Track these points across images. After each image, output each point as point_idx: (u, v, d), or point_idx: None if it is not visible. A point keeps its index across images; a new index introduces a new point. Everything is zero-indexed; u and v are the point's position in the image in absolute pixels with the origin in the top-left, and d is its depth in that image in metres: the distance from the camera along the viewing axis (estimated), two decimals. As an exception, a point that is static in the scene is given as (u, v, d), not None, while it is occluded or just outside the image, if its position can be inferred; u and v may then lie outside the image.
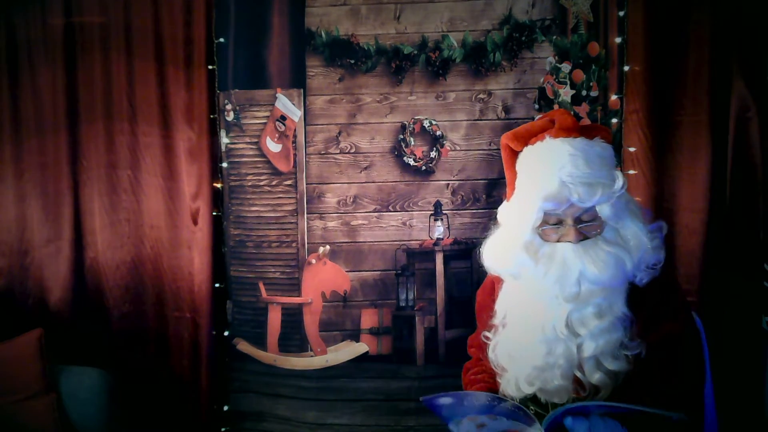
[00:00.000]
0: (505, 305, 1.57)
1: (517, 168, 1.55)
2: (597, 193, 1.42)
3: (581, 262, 1.43)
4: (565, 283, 1.43)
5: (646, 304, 1.49)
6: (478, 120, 2.62)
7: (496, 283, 1.66)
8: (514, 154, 1.56)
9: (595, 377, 1.46)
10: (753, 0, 2.39)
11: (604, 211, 1.46)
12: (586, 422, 1.36)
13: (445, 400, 1.47)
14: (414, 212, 2.66)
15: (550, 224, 1.48)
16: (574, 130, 1.50)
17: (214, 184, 2.69)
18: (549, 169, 1.45)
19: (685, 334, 1.51)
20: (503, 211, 1.58)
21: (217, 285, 2.70)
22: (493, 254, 1.56)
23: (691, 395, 1.51)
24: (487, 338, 1.60)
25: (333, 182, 2.68)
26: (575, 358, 1.45)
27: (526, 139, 1.54)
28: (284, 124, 2.67)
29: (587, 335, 1.44)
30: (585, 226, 1.46)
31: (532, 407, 1.58)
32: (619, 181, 1.46)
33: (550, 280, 1.45)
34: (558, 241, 1.47)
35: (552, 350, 1.46)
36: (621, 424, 1.38)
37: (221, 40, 2.62)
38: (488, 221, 1.60)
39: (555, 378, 1.46)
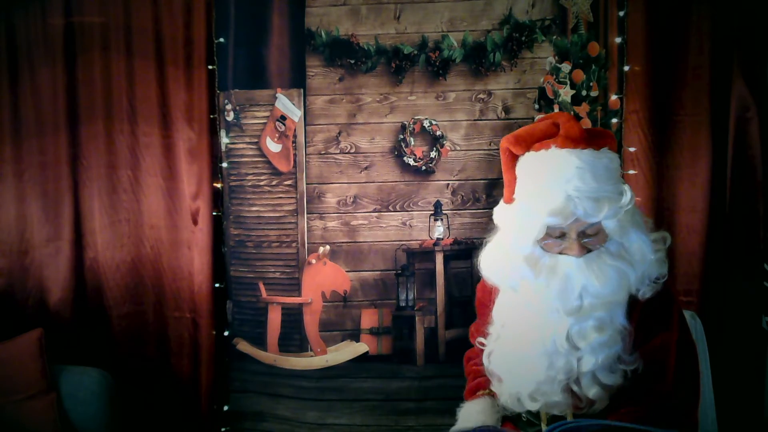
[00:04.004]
0: (503, 315, 1.54)
1: (517, 172, 1.51)
2: (603, 208, 1.39)
3: (584, 276, 1.40)
4: (567, 297, 1.41)
5: (641, 314, 1.47)
6: (478, 120, 2.62)
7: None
8: (514, 157, 1.52)
9: (592, 392, 1.44)
10: (753, 0, 2.39)
11: (610, 225, 1.42)
12: None
13: None
14: (414, 212, 2.66)
15: (553, 237, 1.44)
16: (582, 140, 1.46)
17: (214, 184, 2.69)
18: (555, 183, 1.41)
19: (679, 340, 1.48)
20: (501, 215, 1.54)
21: (217, 285, 2.70)
22: (493, 266, 1.53)
23: (686, 408, 1.49)
24: (482, 344, 1.57)
25: (333, 182, 2.68)
26: (575, 372, 1.43)
27: (528, 143, 1.50)
28: (284, 124, 2.67)
29: (587, 349, 1.42)
30: (589, 241, 1.44)
31: (524, 416, 1.57)
32: (627, 196, 1.43)
33: (552, 294, 1.42)
34: (560, 253, 1.44)
35: (553, 363, 1.43)
36: None
37: (221, 40, 2.62)
38: (488, 221, 1.58)
39: (555, 392, 1.44)
